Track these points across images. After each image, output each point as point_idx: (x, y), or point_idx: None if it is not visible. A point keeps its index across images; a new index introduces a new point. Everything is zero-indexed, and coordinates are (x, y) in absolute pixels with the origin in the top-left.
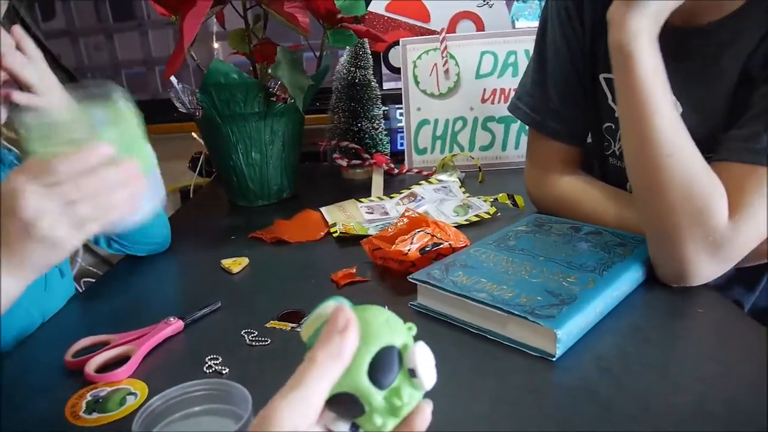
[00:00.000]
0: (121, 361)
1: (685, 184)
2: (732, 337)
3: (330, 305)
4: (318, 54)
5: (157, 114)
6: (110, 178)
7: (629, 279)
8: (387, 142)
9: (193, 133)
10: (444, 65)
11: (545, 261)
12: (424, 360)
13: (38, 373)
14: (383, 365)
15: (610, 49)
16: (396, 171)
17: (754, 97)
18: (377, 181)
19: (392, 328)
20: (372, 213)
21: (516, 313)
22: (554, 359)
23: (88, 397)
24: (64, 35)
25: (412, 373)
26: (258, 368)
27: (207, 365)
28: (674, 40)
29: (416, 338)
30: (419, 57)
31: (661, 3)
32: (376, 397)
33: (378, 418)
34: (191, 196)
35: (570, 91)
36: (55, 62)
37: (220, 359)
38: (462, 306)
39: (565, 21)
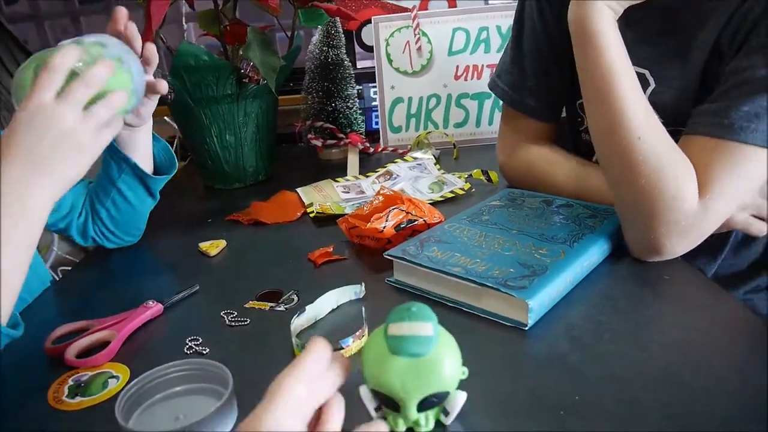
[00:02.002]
0: (101, 345)
1: (656, 168)
2: (697, 304)
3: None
4: (289, 34)
5: None
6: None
7: (599, 250)
8: (362, 121)
9: (165, 117)
10: (416, 43)
11: (518, 234)
12: (458, 407)
13: (18, 362)
14: (433, 401)
15: (570, 25)
16: (371, 150)
17: (724, 72)
18: (353, 161)
19: (456, 377)
20: (348, 192)
21: (489, 285)
22: (527, 329)
23: (70, 382)
24: (29, 19)
25: (444, 412)
26: (238, 347)
27: (187, 346)
28: (650, 15)
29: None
30: (391, 35)
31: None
32: (413, 413)
33: (402, 425)
34: None
35: (546, 69)
36: (21, 48)
37: (201, 340)
38: (437, 280)
39: None
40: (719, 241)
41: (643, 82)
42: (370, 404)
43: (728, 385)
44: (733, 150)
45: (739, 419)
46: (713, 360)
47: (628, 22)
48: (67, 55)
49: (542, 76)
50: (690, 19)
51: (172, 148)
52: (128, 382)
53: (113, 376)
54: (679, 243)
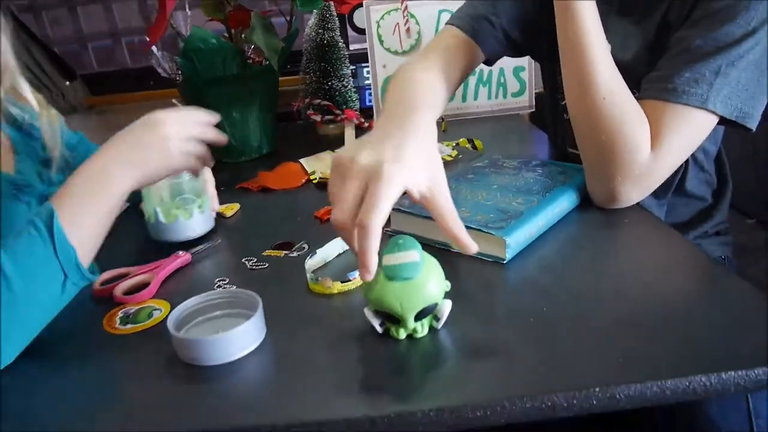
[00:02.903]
0: (141, 286)
1: (617, 123)
2: (650, 241)
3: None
4: (288, 18)
5: (131, 84)
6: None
7: (567, 199)
8: (356, 99)
9: (173, 99)
10: (405, 24)
11: (498, 189)
12: (446, 313)
13: (72, 301)
14: (426, 312)
15: (554, 2)
16: (366, 125)
17: (670, 41)
18: (349, 135)
19: (442, 290)
20: None
21: (473, 227)
22: (505, 262)
23: (120, 314)
24: (26, 10)
25: (436, 318)
26: (260, 285)
27: (216, 285)
28: None
29: None
30: (382, 17)
31: None
32: (411, 322)
33: (403, 333)
34: None
35: (522, 17)
36: (55, 59)
37: (227, 280)
38: (428, 227)
39: None
40: (662, 186)
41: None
42: (375, 321)
43: (669, 299)
44: (677, 111)
45: (678, 326)
46: (659, 283)
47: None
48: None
49: (514, 21)
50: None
51: None
52: (169, 313)
53: (156, 309)
54: (633, 190)
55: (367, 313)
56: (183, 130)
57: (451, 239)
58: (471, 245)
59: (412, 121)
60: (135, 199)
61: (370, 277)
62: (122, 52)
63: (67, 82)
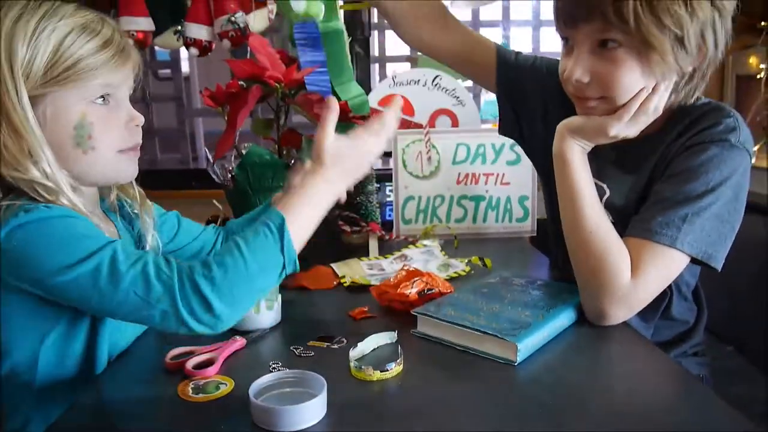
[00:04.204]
0: (206, 363)
1: (600, 253)
2: (637, 355)
3: None
4: None
5: (176, 181)
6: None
7: (567, 316)
8: (378, 213)
9: (214, 200)
10: (427, 153)
11: (508, 303)
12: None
13: (145, 372)
14: None
15: (553, 153)
16: (387, 237)
17: (651, 193)
18: (373, 245)
19: None
20: (372, 269)
21: (490, 333)
22: (515, 365)
23: (191, 385)
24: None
25: None
26: (309, 369)
27: (272, 367)
28: (617, 147)
29: (417, 362)
30: (407, 145)
31: (594, 143)
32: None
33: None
34: None
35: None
36: None
37: (280, 363)
38: (451, 331)
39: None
40: (651, 310)
41: (602, 192)
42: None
43: (652, 406)
44: (653, 247)
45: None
46: (643, 392)
47: (595, 152)
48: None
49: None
50: (636, 153)
51: (216, 226)
52: (234, 388)
53: (222, 383)
54: (619, 310)
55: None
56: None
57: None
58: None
59: None
60: None
61: None
62: (154, 149)
63: None
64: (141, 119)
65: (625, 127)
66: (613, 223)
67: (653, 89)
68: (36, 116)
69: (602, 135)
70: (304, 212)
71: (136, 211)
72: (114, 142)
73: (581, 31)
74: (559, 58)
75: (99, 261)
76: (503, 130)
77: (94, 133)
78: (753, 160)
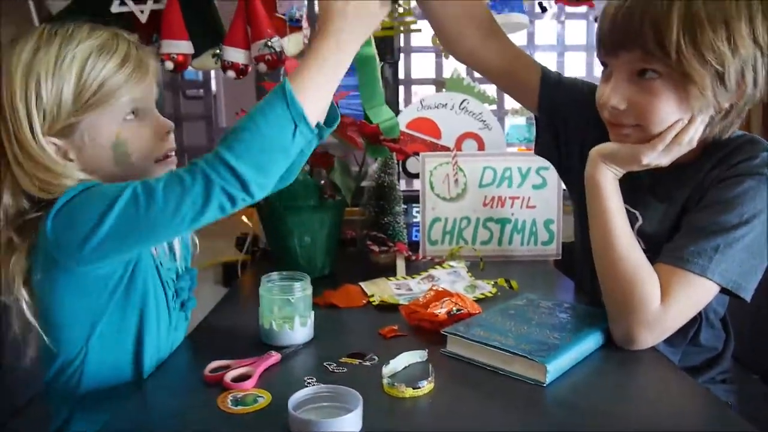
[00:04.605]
0: (244, 377)
1: (631, 278)
2: (666, 379)
3: None
4: (360, 163)
5: None
6: None
7: (594, 339)
8: (405, 234)
9: (243, 217)
10: (454, 176)
11: (536, 324)
12: None
13: (185, 384)
14: None
15: (585, 178)
16: (414, 257)
17: (683, 222)
18: (400, 265)
19: None
20: (399, 289)
21: (519, 353)
22: (545, 386)
23: (230, 398)
24: None
25: None
26: (342, 385)
27: (306, 382)
28: (650, 174)
29: (448, 380)
30: (435, 168)
31: (626, 169)
32: None
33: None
34: (239, 271)
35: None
36: None
37: (315, 379)
38: (481, 351)
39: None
40: (679, 336)
41: (634, 219)
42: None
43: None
44: (683, 275)
45: None
46: (671, 415)
47: (629, 178)
48: None
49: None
50: (670, 182)
51: (245, 245)
52: (271, 401)
53: (259, 396)
54: (647, 335)
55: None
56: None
57: None
58: None
59: None
60: None
61: None
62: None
63: None
64: (170, 125)
65: (658, 157)
66: (645, 251)
67: (689, 121)
68: (74, 144)
69: (635, 163)
70: (312, 72)
71: None
72: (149, 152)
73: (621, 58)
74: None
75: (133, 187)
76: (540, 150)
77: (129, 149)
78: None
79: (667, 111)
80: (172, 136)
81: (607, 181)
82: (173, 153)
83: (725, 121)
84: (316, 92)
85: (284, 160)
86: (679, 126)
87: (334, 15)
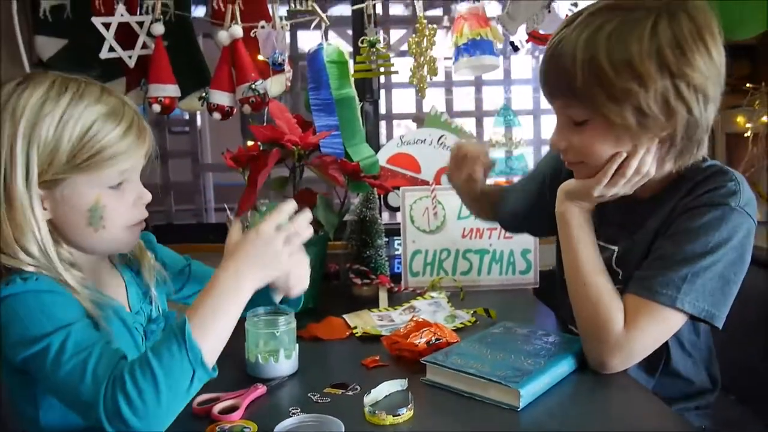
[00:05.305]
0: (230, 409)
1: (594, 302)
2: (636, 402)
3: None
4: (342, 199)
5: (192, 235)
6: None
7: (567, 364)
8: (387, 266)
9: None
10: (433, 209)
11: (512, 352)
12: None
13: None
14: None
15: (556, 214)
16: (396, 289)
17: (652, 249)
18: (383, 296)
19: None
20: (382, 320)
21: (494, 380)
22: (519, 410)
23: (218, 429)
24: None
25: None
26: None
27: (291, 412)
28: (624, 206)
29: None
30: (414, 202)
31: (589, 204)
32: None
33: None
34: None
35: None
36: None
37: (299, 409)
38: (458, 378)
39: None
40: (654, 360)
41: (610, 251)
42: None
43: None
44: (651, 306)
45: None
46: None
47: (601, 214)
48: (288, 207)
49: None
50: (644, 211)
51: None
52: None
53: (246, 427)
54: (613, 358)
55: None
56: (289, 239)
57: None
58: None
59: None
60: None
61: None
62: (170, 203)
63: None
64: (148, 197)
65: (608, 189)
66: (623, 279)
67: (631, 153)
68: (53, 197)
69: (588, 196)
70: (211, 310)
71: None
72: (124, 221)
73: (556, 105)
74: None
75: (48, 343)
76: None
77: (106, 215)
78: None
79: (602, 148)
80: (144, 205)
81: (572, 216)
82: (144, 221)
83: (674, 150)
84: (218, 327)
85: (180, 404)
86: (618, 159)
87: (232, 246)
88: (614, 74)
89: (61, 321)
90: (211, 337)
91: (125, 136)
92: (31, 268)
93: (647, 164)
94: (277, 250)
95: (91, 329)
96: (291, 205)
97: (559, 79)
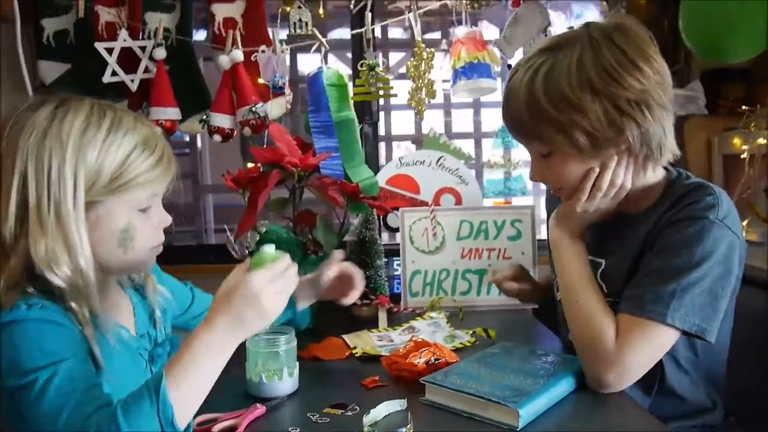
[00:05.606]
0: (231, 429)
1: (585, 318)
2: (633, 422)
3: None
4: (341, 220)
5: (193, 257)
6: (291, 276)
7: (566, 383)
8: (387, 287)
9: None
10: (433, 229)
11: (510, 371)
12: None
13: None
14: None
15: (548, 238)
16: (395, 309)
17: (640, 264)
18: (382, 317)
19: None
20: (381, 340)
21: (493, 400)
22: (517, 430)
23: None
24: None
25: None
26: None
27: None
28: (613, 222)
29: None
30: (414, 222)
31: (578, 224)
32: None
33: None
34: None
35: None
36: None
37: (298, 429)
38: (457, 398)
39: None
40: (650, 379)
41: (597, 265)
42: None
43: None
44: (642, 323)
45: None
46: None
47: (590, 229)
48: (283, 263)
49: None
50: (631, 225)
51: None
52: None
53: None
54: (608, 375)
55: None
56: (278, 298)
57: None
58: None
59: None
60: None
61: None
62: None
63: None
64: (169, 221)
65: (589, 204)
66: (608, 293)
67: (603, 168)
68: (89, 219)
69: (572, 214)
70: (192, 368)
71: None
72: (149, 243)
73: (522, 144)
74: None
75: (36, 377)
76: None
77: (135, 236)
78: (743, 234)
79: (572, 171)
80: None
81: (561, 238)
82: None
83: (639, 159)
84: (196, 385)
85: None
86: (592, 175)
87: (228, 303)
88: (554, 109)
89: (55, 356)
90: (185, 397)
91: (159, 163)
92: (62, 284)
93: (620, 176)
94: (263, 306)
95: (82, 367)
96: (286, 261)
97: (513, 122)
